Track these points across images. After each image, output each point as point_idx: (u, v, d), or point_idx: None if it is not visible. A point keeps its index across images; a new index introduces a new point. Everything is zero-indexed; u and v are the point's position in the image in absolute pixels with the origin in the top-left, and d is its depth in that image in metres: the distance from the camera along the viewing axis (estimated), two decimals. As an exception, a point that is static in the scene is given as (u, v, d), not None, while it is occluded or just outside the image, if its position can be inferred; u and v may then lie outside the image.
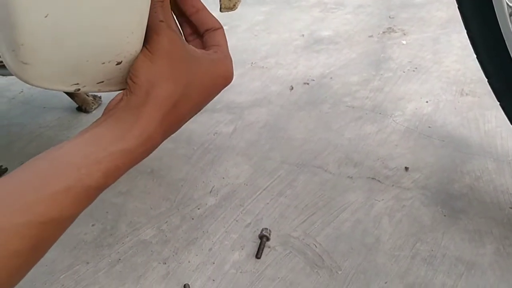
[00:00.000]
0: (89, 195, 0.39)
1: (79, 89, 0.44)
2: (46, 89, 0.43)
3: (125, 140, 0.40)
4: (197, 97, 0.46)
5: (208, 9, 0.50)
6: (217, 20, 0.50)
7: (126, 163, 0.41)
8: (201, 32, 0.50)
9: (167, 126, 0.43)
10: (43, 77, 0.41)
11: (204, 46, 0.50)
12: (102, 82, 0.44)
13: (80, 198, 0.38)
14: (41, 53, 0.38)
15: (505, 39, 0.72)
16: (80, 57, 0.40)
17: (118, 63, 0.42)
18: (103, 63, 0.41)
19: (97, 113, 1.25)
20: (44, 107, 1.31)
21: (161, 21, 0.42)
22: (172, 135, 0.46)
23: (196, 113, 0.47)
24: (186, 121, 0.47)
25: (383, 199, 0.89)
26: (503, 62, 0.74)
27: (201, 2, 0.50)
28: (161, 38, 0.42)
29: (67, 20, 0.37)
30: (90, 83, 0.44)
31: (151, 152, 0.43)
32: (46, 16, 0.35)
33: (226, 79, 0.48)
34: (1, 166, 1.07)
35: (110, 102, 0.44)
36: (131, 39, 0.41)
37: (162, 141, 0.44)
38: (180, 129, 0.47)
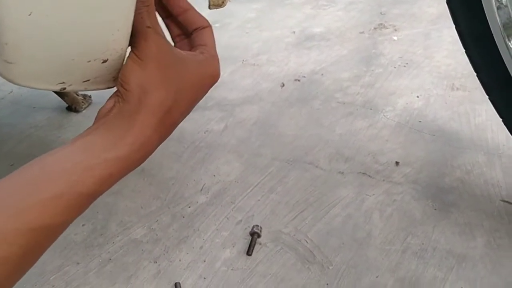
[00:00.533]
0: (81, 202, 0.38)
1: (65, 88, 0.43)
2: (31, 88, 0.42)
3: (118, 147, 0.40)
4: (188, 101, 0.46)
5: (198, 6, 0.50)
6: (205, 18, 0.50)
7: (120, 171, 0.41)
8: (189, 31, 0.50)
9: (161, 133, 0.44)
10: (28, 76, 0.40)
11: (191, 45, 0.50)
12: (88, 80, 0.44)
13: (72, 205, 0.38)
14: (26, 52, 0.38)
15: (493, 33, 0.72)
16: (66, 56, 0.40)
17: (104, 61, 0.42)
18: (89, 61, 0.41)
19: (87, 112, 1.25)
20: (33, 107, 1.30)
21: (148, 26, 0.42)
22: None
23: (187, 115, 0.48)
24: (179, 124, 0.47)
25: (374, 194, 0.89)
26: (491, 56, 0.75)
27: (188, 2, 0.50)
28: (149, 44, 0.42)
29: (52, 18, 0.36)
30: (76, 81, 0.43)
31: (145, 159, 0.43)
32: (29, 14, 0.35)
33: (213, 78, 0.48)
34: (-9, 166, 1.07)
35: (100, 109, 0.43)
36: (117, 36, 0.41)
37: (157, 147, 0.44)
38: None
